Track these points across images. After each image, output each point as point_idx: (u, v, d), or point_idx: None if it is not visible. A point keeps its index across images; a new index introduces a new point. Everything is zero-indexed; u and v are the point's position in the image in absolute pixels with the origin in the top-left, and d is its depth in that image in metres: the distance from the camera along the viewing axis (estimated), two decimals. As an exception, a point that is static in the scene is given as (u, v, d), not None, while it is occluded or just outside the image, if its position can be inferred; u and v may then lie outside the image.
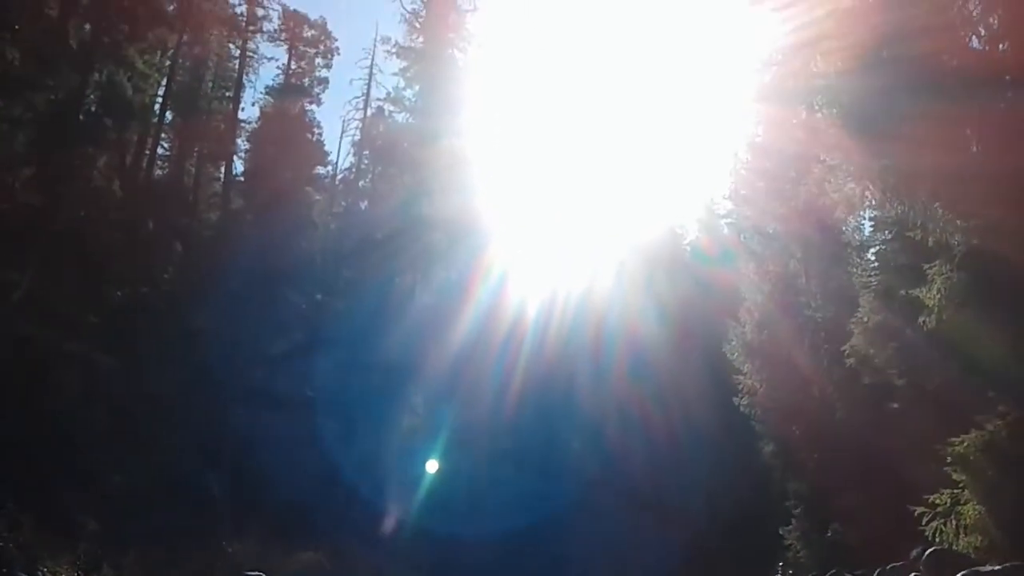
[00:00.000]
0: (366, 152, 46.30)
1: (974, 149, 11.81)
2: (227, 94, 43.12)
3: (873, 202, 14.51)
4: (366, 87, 44.18)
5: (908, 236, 14.98)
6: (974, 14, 12.37)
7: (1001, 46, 12.21)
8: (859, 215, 22.44)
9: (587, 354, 32.77)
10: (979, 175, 11.44)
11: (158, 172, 40.23)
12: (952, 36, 12.16)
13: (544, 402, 31.21)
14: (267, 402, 30.08)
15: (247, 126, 43.04)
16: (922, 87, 11.54)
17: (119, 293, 28.87)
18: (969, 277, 12.55)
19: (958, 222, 12.21)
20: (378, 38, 42.12)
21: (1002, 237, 11.78)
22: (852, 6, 12.03)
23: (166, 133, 39.88)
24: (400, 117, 41.54)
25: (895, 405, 19.04)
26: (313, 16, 45.53)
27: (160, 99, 36.46)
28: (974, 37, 12.66)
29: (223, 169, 43.50)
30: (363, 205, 46.60)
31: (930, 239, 12.84)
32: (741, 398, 24.08)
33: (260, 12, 42.48)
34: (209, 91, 42.80)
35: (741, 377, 24.12)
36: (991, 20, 12.23)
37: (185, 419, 26.10)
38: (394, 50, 38.22)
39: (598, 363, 32.49)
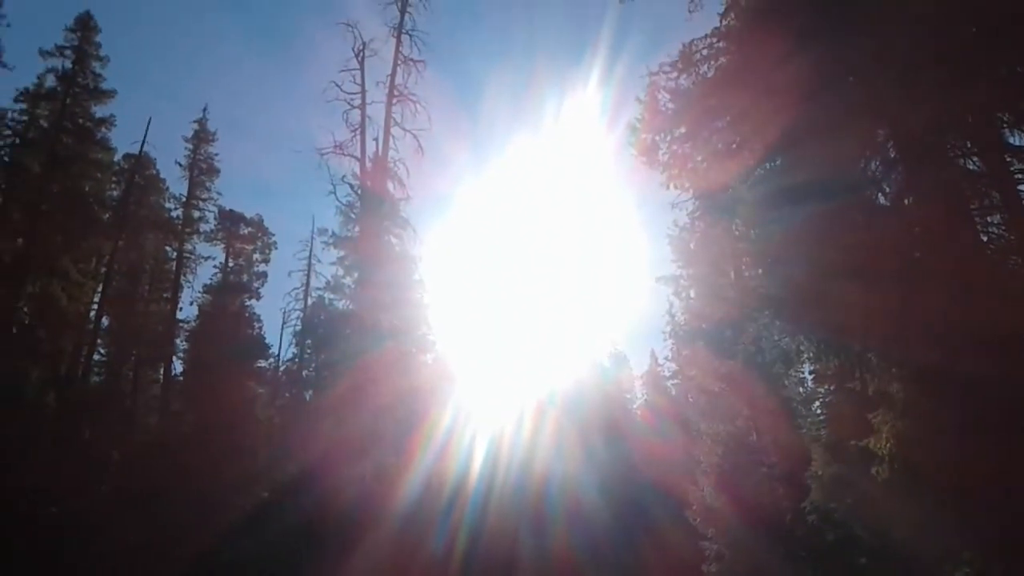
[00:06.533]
0: (308, 341, 46.11)
1: (897, 300, 12.24)
2: (165, 295, 43.01)
3: (810, 356, 14.84)
4: (305, 278, 44.92)
5: (848, 388, 15.23)
6: (877, 174, 13.30)
7: (906, 200, 13.03)
8: (799, 369, 22.99)
9: (529, 525, 31.92)
10: (907, 325, 11.78)
11: (95, 379, 39.17)
12: (859, 195, 12.97)
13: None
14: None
15: (186, 325, 42.60)
16: (836, 245, 12.16)
17: (54, 509, 27.20)
18: (914, 424, 12.64)
19: (893, 370, 12.48)
20: (315, 230, 43.30)
21: (940, 382, 11.99)
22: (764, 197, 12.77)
23: (102, 339, 39.15)
24: (340, 304, 41.73)
25: (863, 560, 18.64)
26: (249, 213, 46.70)
27: (96, 306, 36.18)
28: (880, 195, 13.54)
29: (162, 371, 42.58)
30: (308, 395, 45.78)
31: (870, 389, 13.03)
32: (710, 565, 23.40)
33: (196, 214, 43.22)
34: (146, 294, 42.74)
35: (706, 543, 23.56)
36: (894, 177, 13.13)
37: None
38: (331, 240, 38.96)
39: (540, 534, 31.65)
